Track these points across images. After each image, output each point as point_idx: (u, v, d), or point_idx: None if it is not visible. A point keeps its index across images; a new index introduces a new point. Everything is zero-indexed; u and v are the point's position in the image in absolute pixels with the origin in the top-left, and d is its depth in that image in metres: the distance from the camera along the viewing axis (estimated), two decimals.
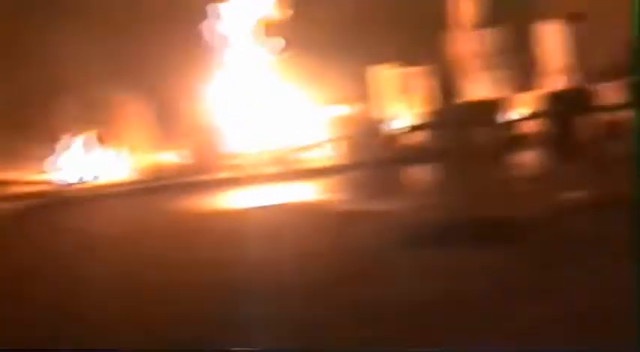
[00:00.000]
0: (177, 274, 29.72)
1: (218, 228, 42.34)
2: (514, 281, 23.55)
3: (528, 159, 66.83)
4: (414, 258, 28.06)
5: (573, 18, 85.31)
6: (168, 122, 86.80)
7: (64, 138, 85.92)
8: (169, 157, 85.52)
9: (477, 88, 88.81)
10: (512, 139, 77.70)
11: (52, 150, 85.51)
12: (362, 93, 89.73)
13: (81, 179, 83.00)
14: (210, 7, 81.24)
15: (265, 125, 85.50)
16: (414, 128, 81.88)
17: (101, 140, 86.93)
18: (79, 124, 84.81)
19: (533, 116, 79.07)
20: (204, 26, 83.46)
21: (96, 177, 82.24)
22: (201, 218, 47.99)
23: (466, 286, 23.72)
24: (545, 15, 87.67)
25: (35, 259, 36.58)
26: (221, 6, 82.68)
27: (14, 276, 32.62)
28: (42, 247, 40.67)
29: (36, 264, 34.87)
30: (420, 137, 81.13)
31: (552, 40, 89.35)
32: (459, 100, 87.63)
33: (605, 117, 73.37)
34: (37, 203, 66.33)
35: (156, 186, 71.49)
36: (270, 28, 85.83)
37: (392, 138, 79.78)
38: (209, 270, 30.25)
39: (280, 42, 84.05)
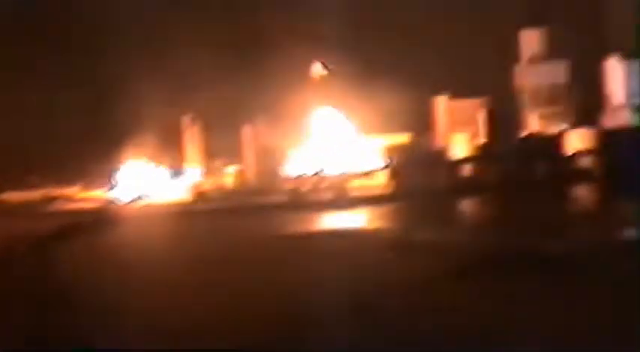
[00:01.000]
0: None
1: (280, 251, 42.91)
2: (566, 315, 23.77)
3: (586, 193, 66.47)
4: (468, 289, 28.34)
5: None
6: (228, 142, 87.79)
7: (124, 159, 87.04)
8: (229, 179, 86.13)
9: (538, 121, 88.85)
10: (571, 174, 77.66)
11: (112, 169, 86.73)
12: (422, 123, 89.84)
13: (137, 198, 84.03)
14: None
15: (326, 151, 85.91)
16: (471, 159, 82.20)
17: (159, 161, 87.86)
18: (141, 145, 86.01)
19: (593, 152, 79.06)
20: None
21: (148, 197, 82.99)
22: (266, 241, 48.47)
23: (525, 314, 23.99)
24: (608, 51, 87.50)
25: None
26: None
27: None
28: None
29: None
30: (476, 168, 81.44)
31: (614, 76, 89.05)
32: (518, 134, 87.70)
33: None
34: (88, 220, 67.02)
35: (214, 208, 72.10)
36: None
37: (450, 168, 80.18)
38: (286, 291, 30.87)
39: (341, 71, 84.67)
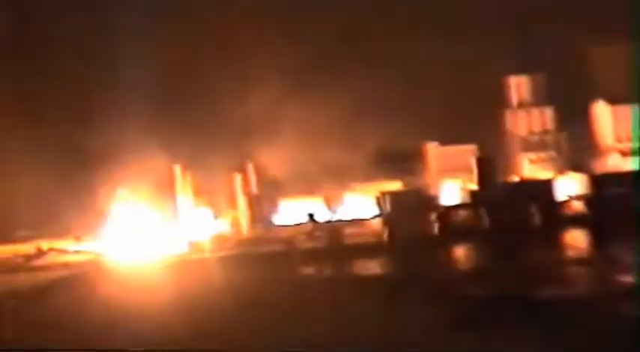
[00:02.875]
0: None
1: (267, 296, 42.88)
2: None
3: (576, 238, 66.57)
4: (467, 337, 28.35)
5: None
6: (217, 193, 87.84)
7: (114, 209, 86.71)
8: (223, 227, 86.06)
9: (528, 167, 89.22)
10: (562, 219, 77.60)
11: (104, 220, 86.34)
12: (413, 169, 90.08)
13: (130, 249, 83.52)
14: None
15: (317, 200, 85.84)
16: (463, 205, 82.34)
17: (152, 210, 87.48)
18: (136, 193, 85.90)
19: (583, 197, 79.24)
20: None
21: (142, 247, 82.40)
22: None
23: None
24: (597, 96, 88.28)
25: None
26: None
27: None
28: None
29: None
30: (468, 214, 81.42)
31: (604, 121, 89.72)
32: (508, 179, 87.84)
33: None
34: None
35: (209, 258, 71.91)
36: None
37: (442, 215, 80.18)
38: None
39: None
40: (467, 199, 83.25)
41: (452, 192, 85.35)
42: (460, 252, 66.30)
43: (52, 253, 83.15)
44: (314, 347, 29.52)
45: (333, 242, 76.81)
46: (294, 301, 41.61)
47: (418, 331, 30.77)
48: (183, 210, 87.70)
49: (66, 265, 75.13)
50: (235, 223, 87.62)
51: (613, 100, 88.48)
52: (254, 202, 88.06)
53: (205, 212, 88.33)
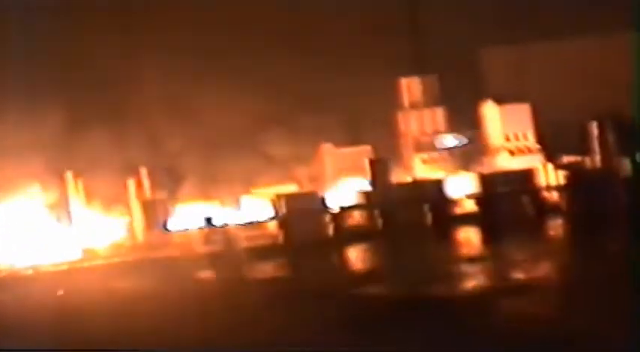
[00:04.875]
0: None
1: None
2: None
3: (468, 237, 68.07)
4: (362, 338, 28.86)
5: None
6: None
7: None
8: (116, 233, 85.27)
9: (420, 167, 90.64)
10: (449, 218, 79.23)
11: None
12: (306, 172, 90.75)
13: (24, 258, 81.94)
14: None
15: (213, 204, 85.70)
16: (358, 206, 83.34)
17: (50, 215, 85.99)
18: None
19: (475, 195, 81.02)
20: None
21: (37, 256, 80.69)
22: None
23: None
24: (488, 96, 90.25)
25: None
26: None
27: None
28: None
29: None
30: (360, 216, 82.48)
31: (494, 121, 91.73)
32: (400, 180, 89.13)
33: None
34: None
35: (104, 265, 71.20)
36: None
37: (336, 215, 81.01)
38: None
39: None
40: (361, 200, 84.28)
41: (346, 193, 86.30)
42: (354, 253, 67.07)
43: None
44: (210, 347, 29.79)
45: (229, 245, 76.90)
46: (190, 304, 41.70)
47: (310, 331, 31.23)
48: (77, 217, 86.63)
49: None
50: (130, 229, 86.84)
51: (501, 100, 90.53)
52: (148, 207, 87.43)
53: (99, 218, 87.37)
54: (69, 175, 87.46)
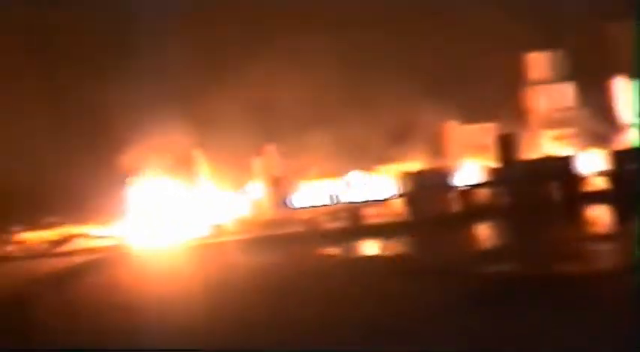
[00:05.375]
0: None
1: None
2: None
3: (596, 215, 66.39)
4: (485, 314, 28.49)
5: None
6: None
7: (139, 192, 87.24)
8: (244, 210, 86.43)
9: (547, 144, 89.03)
10: (579, 195, 77.49)
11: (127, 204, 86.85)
12: (433, 149, 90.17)
13: (153, 232, 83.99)
14: None
15: (337, 182, 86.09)
16: (483, 184, 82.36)
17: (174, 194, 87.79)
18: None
19: (601, 173, 79.12)
20: None
21: (167, 231, 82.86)
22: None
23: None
24: (614, 72, 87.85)
25: None
26: None
27: None
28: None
29: None
30: (488, 193, 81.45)
31: (621, 97, 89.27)
32: (528, 157, 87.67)
33: None
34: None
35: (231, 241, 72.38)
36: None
37: (461, 193, 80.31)
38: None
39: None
40: (488, 177, 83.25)
41: (472, 170, 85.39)
42: (481, 231, 66.37)
43: (78, 239, 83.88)
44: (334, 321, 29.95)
45: (354, 222, 77.17)
46: (317, 282, 41.90)
47: (439, 309, 31.01)
48: (205, 194, 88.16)
49: (91, 250, 75.83)
50: (257, 205, 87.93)
51: (633, 76, 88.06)
52: (276, 184, 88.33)
53: (227, 195, 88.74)
54: (197, 153, 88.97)
